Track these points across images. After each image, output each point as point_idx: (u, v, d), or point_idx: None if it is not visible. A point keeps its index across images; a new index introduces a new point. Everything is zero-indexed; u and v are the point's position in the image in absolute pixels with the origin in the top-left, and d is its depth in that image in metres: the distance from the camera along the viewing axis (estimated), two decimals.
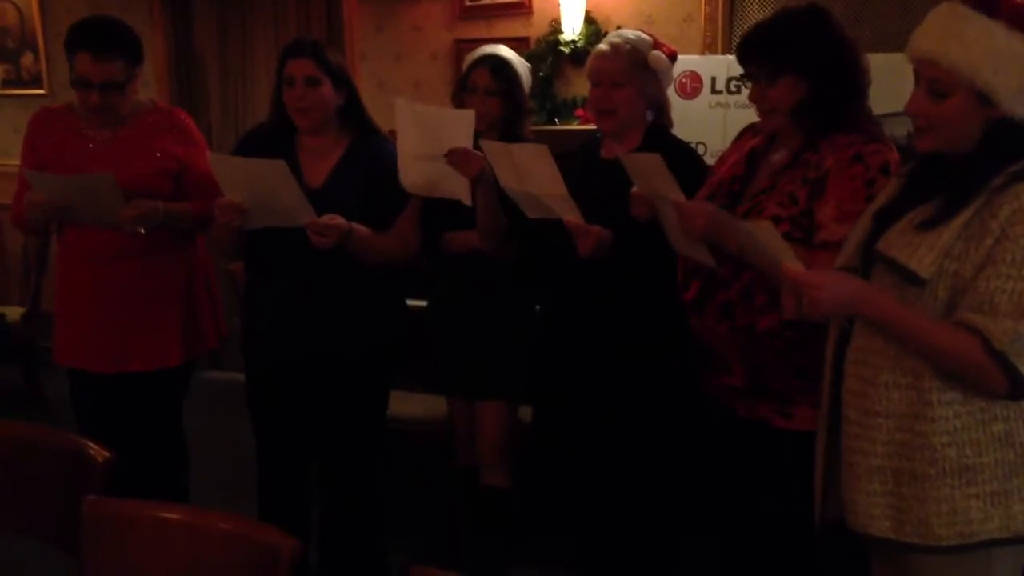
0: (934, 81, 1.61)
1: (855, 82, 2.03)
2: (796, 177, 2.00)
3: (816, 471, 1.85)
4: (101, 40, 2.59)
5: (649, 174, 2.08)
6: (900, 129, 3.14)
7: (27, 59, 5.44)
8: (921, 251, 1.60)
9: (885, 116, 2.37)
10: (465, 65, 2.77)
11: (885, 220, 1.71)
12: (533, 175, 2.27)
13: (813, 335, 1.89)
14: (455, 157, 2.41)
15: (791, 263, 1.64)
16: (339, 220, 2.39)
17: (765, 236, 1.69)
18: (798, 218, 1.95)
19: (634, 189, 2.17)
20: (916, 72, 1.65)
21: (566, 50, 4.23)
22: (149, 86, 4.99)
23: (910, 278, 1.60)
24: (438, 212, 2.60)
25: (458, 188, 2.46)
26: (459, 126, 2.41)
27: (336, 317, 2.55)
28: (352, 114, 2.61)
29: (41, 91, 5.37)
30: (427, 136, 2.44)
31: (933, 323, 1.60)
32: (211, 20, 5.17)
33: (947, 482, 1.63)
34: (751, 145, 2.18)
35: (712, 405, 2.20)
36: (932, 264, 1.58)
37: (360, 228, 2.44)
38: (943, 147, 1.65)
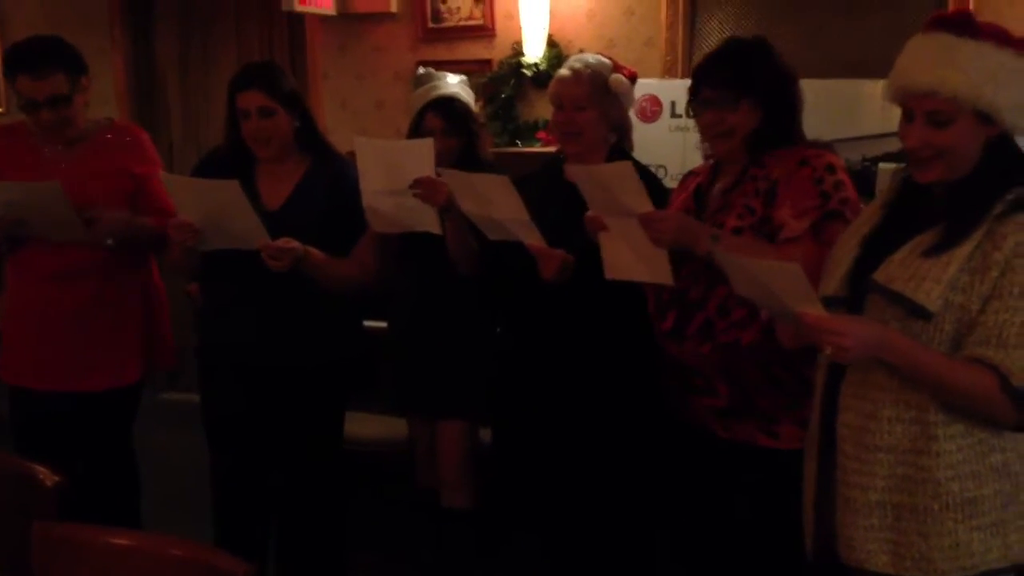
0: (934, 113, 1.61)
1: (798, 108, 2.14)
2: (748, 191, 2.07)
3: (806, 503, 1.83)
4: (37, 58, 2.58)
5: (614, 186, 2.07)
6: (854, 154, 3.21)
7: None
8: (927, 284, 1.58)
9: (839, 141, 2.43)
10: (412, 107, 2.77)
11: (875, 248, 1.70)
12: (494, 202, 2.28)
13: (796, 350, 1.92)
14: (421, 188, 2.41)
15: (813, 308, 1.58)
16: (294, 244, 2.38)
17: (791, 280, 1.59)
18: (757, 226, 2.03)
19: (589, 212, 2.18)
20: (906, 107, 1.65)
21: (528, 73, 4.25)
22: (109, 103, 4.93)
23: (917, 312, 1.59)
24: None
25: (426, 219, 2.47)
26: (420, 156, 2.41)
27: (292, 333, 2.55)
28: (308, 136, 2.61)
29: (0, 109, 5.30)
30: (389, 170, 2.45)
31: (950, 361, 1.58)
32: (172, 38, 5.13)
33: (951, 516, 1.62)
34: (696, 183, 2.25)
35: (691, 428, 2.20)
36: (939, 297, 1.57)
37: (316, 252, 2.43)
38: (948, 175, 1.64)
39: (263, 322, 2.54)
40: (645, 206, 2.03)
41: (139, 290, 2.81)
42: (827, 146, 2.12)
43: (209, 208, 2.37)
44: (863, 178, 2.13)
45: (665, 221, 2.02)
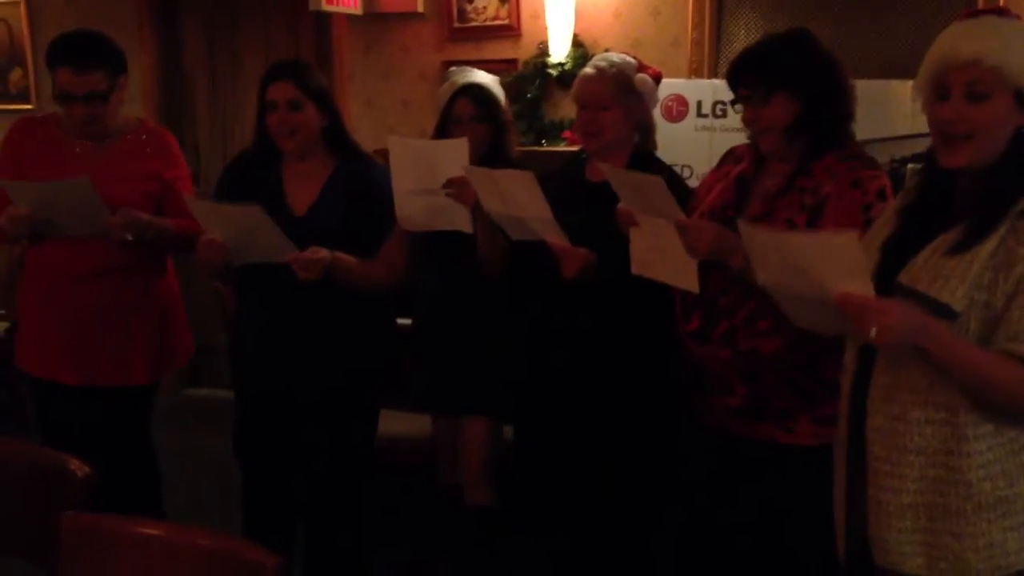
0: (973, 84, 1.58)
1: (844, 102, 2.08)
2: (793, 203, 2.03)
3: (836, 506, 1.82)
4: (81, 53, 2.59)
5: (645, 194, 2.06)
6: (883, 155, 3.18)
7: (16, 74, 5.42)
8: (952, 283, 1.57)
9: (867, 142, 2.41)
10: (442, 96, 2.76)
11: (897, 253, 1.68)
12: (518, 200, 2.28)
13: (816, 357, 1.90)
14: (454, 187, 2.41)
15: (861, 286, 1.53)
16: (322, 253, 2.38)
17: (842, 252, 1.53)
18: None
19: (621, 204, 2.17)
20: (941, 85, 1.62)
21: (554, 72, 4.25)
22: (136, 102, 4.97)
23: (942, 311, 1.57)
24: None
25: (458, 218, 2.47)
26: (454, 156, 2.41)
27: (323, 347, 2.54)
28: (336, 136, 2.61)
29: (29, 106, 5.34)
30: (423, 170, 2.45)
31: (984, 355, 1.57)
32: (200, 38, 5.17)
33: (984, 516, 1.61)
34: (738, 171, 2.19)
35: (710, 427, 2.20)
36: (964, 296, 1.56)
37: (344, 257, 2.43)
38: (975, 160, 1.61)
39: (294, 339, 2.54)
40: (678, 215, 2.02)
41: (154, 293, 2.82)
42: (876, 166, 2.06)
43: (234, 229, 2.39)
44: (893, 179, 2.09)
45: (702, 232, 1.99)
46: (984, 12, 1.67)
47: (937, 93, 1.64)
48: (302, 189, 2.57)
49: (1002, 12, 1.65)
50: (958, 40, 1.62)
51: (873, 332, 1.52)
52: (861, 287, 1.54)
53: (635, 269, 2.19)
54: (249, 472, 2.75)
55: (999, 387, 1.57)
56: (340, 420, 2.63)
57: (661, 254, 2.09)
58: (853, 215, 1.94)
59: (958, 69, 1.60)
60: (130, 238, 2.59)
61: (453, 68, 2.86)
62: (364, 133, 4.76)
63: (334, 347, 2.55)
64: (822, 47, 2.08)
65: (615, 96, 2.42)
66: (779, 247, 1.67)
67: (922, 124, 1.72)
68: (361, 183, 2.57)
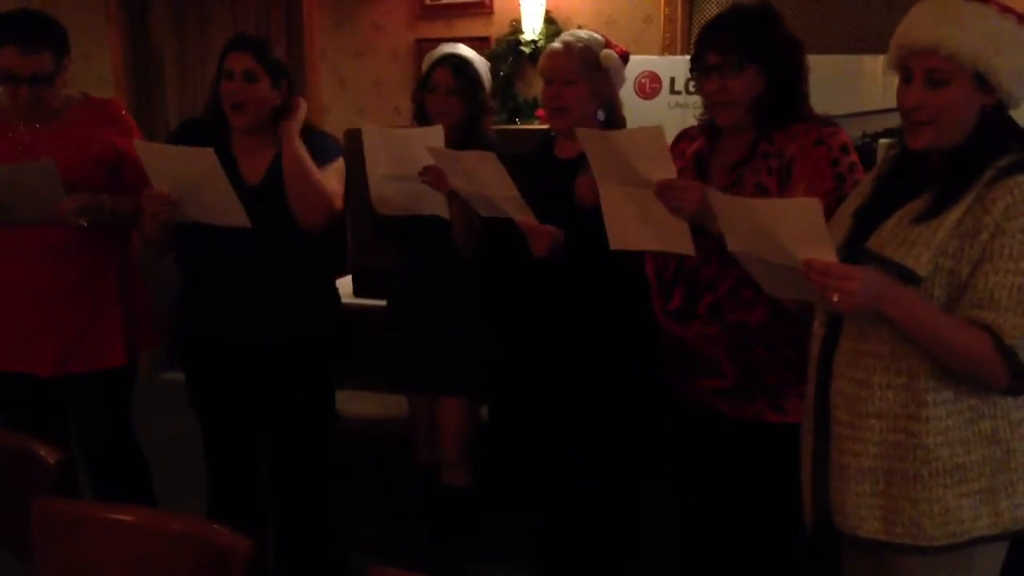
0: (932, 71, 1.60)
1: (803, 78, 2.09)
2: (759, 168, 2.04)
3: (803, 472, 1.84)
4: (27, 32, 2.51)
5: (632, 152, 1.99)
6: (855, 130, 3.19)
7: None
8: (917, 249, 1.59)
9: (839, 117, 2.42)
10: (425, 64, 2.74)
11: (867, 220, 1.70)
12: (483, 179, 2.27)
13: (801, 327, 1.91)
14: (430, 175, 2.40)
15: (825, 252, 1.55)
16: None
17: (805, 217, 1.54)
18: None
19: (580, 178, 2.14)
20: (905, 68, 1.65)
21: (527, 50, 4.24)
22: (107, 82, 4.91)
23: (907, 276, 1.59)
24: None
25: (435, 203, 2.46)
26: (430, 143, 2.39)
27: (268, 304, 2.55)
28: (286, 116, 2.55)
29: None
30: (398, 157, 2.44)
31: (949, 320, 1.59)
32: (168, 18, 5.11)
33: (939, 482, 1.63)
34: (694, 149, 2.19)
35: (694, 409, 2.19)
36: (929, 262, 1.58)
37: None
38: (940, 141, 1.63)
39: (238, 294, 2.54)
40: (668, 173, 1.98)
41: (116, 268, 2.75)
42: (832, 123, 2.09)
43: (183, 177, 2.35)
44: (864, 154, 2.11)
45: (689, 191, 1.96)
46: None
47: (902, 75, 1.66)
48: (253, 160, 2.54)
49: None
50: (916, 27, 1.63)
51: (835, 298, 1.54)
52: (824, 253, 1.55)
53: (614, 244, 2.12)
54: (212, 447, 2.74)
55: (961, 352, 1.59)
56: (291, 384, 2.62)
57: (643, 222, 2.05)
58: (822, 171, 1.97)
59: (918, 55, 1.62)
60: (84, 223, 2.54)
61: (444, 43, 2.82)
62: (337, 113, 4.74)
63: (274, 298, 2.55)
64: (785, 24, 2.10)
65: (581, 72, 2.41)
66: (746, 214, 1.69)
67: (893, 99, 1.73)
68: (314, 153, 2.53)
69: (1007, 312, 1.55)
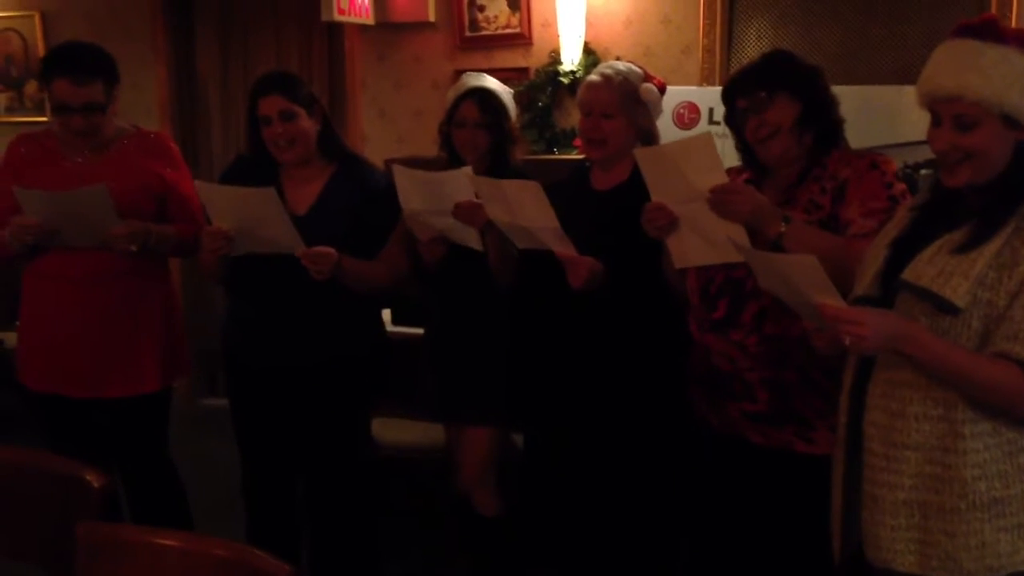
0: (959, 116, 1.61)
1: (833, 101, 2.14)
2: (813, 189, 2.07)
3: (834, 504, 1.82)
4: (78, 64, 2.60)
5: (685, 164, 2.03)
6: (896, 161, 3.17)
7: (31, 87, 5.46)
8: (955, 280, 1.59)
9: (881, 147, 2.41)
10: (450, 97, 2.76)
11: (904, 250, 1.70)
12: (524, 209, 2.28)
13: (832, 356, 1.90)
14: (460, 212, 2.42)
15: (833, 300, 1.60)
16: (331, 250, 2.40)
17: (809, 272, 1.61)
18: (826, 221, 2.03)
19: (654, 199, 2.13)
20: (934, 111, 1.65)
21: (565, 80, 4.26)
22: (152, 114, 5.01)
23: (944, 307, 1.59)
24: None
25: (467, 236, 2.48)
26: (458, 184, 2.42)
27: (312, 331, 2.57)
28: (329, 141, 2.62)
29: (43, 118, 5.39)
30: (428, 196, 2.46)
31: (972, 357, 1.58)
32: (214, 49, 5.20)
33: (977, 515, 1.61)
34: (743, 179, 2.21)
35: (724, 436, 2.19)
36: (967, 293, 1.58)
37: (348, 259, 2.46)
38: (978, 177, 1.63)
39: (285, 323, 2.57)
40: (720, 179, 2.02)
41: (159, 298, 2.81)
42: (883, 154, 2.13)
43: (244, 215, 2.40)
44: (906, 184, 2.12)
45: (741, 195, 2.01)
46: (974, 27, 1.65)
47: (932, 118, 1.67)
48: (302, 191, 2.59)
49: (990, 28, 1.63)
50: (939, 74, 1.63)
51: (847, 341, 1.56)
52: (832, 300, 1.59)
53: (678, 264, 2.17)
54: (250, 472, 2.76)
55: (988, 388, 1.57)
56: (331, 407, 2.64)
57: (702, 238, 2.08)
58: (876, 192, 2.00)
59: (943, 102, 1.62)
60: (134, 249, 2.60)
61: (468, 73, 2.85)
62: (377, 143, 4.78)
63: (320, 324, 2.57)
64: (803, 60, 2.16)
65: (620, 104, 2.42)
66: (766, 262, 1.75)
67: None
68: (361, 185, 2.60)
69: None
